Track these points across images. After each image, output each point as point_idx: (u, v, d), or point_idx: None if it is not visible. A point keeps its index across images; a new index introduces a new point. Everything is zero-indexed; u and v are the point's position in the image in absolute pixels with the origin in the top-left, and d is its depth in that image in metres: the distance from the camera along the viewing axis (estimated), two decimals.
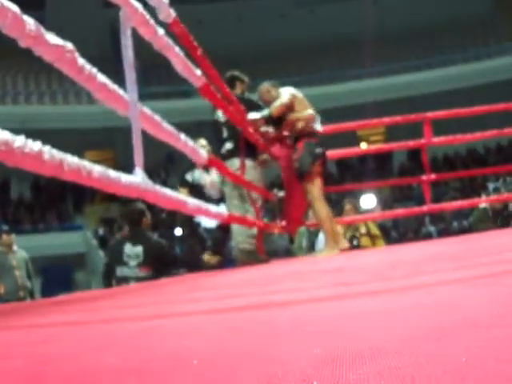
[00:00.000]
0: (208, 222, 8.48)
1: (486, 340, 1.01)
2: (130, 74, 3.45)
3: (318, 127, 7.43)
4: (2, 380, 1.10)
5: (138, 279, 7.68)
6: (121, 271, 7.93)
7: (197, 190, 7.90)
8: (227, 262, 9.52)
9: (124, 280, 7.85)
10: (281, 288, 3.08)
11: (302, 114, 7.34)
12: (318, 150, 7.24)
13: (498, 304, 1.43)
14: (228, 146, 7.29)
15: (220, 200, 7.63)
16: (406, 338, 1.09)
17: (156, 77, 29.67)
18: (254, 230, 7.52)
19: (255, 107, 7.38)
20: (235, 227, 7.31)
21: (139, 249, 7.84)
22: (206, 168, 8.34)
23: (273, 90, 7.53)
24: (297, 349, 1.12)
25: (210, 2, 37.43)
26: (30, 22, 2.39)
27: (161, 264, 7.77)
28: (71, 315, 2.63)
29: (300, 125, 7.28)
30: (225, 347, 1.24)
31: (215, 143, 7.51)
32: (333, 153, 9.08)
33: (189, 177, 8.40)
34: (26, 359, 1.33)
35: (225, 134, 7.17)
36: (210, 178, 8.36)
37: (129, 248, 7.95)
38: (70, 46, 2.73)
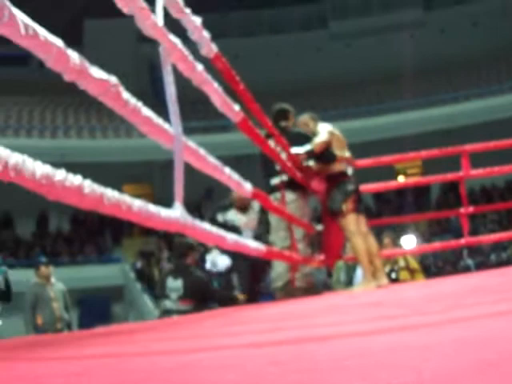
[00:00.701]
0: (219, 265, 8.54)
1: None
2: (174, 108, 3.47)
3: (350, 171, 7.46)
4: None
5: (179, 312, 7.73)
6: (164, 304, 8.05)
7: (231, 230, 7.89)
8: (264, 295, 9.50)
9: (167, 313, 7.94)
10: (320, 322, 3.07)
11: (345, 155, 7.41)
12: (350, 188, 7.26)
13: None
14: (280, 178, 7.34)
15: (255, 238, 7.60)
16: (450, 372, 1.09)
17: (194, 112, 29.81)
18: (309, 268, 7.54)
19: (302, 140, 7.40)
20: (277, 261, 7.32)
21: (179, 282, 7.92)
22: (244, 209, 8.37)
23: (311, 122, 7.58)
24: (340, 382, 1.12)
25: (247, 36, 37.70)
26: (74, 56, 2.42)
27: (201, 298, 7.83)
28: (109, 347, 2.63)
29: (337, 166, 7.33)
30: (267, 381, 1.23)
31: (261, 176, 7.55)
32: (370, 187, 9.06)
33: (220, 217, 8.39)
34: None
35: (277, 167, 7.17)
36: (245, 219, 8.36)
37: (170, 281, 8.05)
38: (114, 79, 2.75)
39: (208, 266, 8.74)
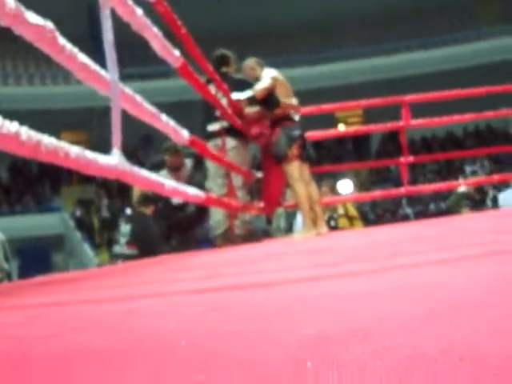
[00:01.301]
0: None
1: (477, 319, 1.00)
2: (111, 54, 3.42)
3: (296, 117, 7.45)
4: None
5: (126, 257, 7.79)
6: (113, 249, 8.10)
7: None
8: (203, 242, 9.51)
9: (115, 257, 8.03)
10: (261, 269, 3.07)
11: (290, 102, 7.39)
12: (296, 133, 7.25)
13: (484, 284, 1.43)
14: (220, 124, 7.31)
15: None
16: (397, 318, 1.08)
17: (132, 58, 29.47)
18: (248, 216, 7.56)
19: (243, 86, 7.37)
20: (214, 208, 7.33)
21: (129, 227, 7.98)
22: (177, 169, 8.32)
23: (258, 68, 7.55)
24: (284, 329, 1.11)
25: None
26: (9, 0, 2.35)
27: (145, 244, 7.86)
28: (51, 296, 2.61)
29: (282, 111, 7.32)
30: (210, 328, 1.22)
31: (201, 122, 7.51)
32: (311, 134, 9.08)
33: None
34: (9, 340, 1.31)
35: (217, 113, 7.12)
36: (177, 180, 8.34)
37: (123, 226, 8.11)
38: (50, 25, 2.69)
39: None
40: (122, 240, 8.05)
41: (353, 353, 0.87)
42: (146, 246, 7.88)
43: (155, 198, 8.06)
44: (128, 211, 8.93)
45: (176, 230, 8.24)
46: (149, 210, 8.25)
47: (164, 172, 8.26)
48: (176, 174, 8.23)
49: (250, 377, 0.83)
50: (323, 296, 1.55)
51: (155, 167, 8.35)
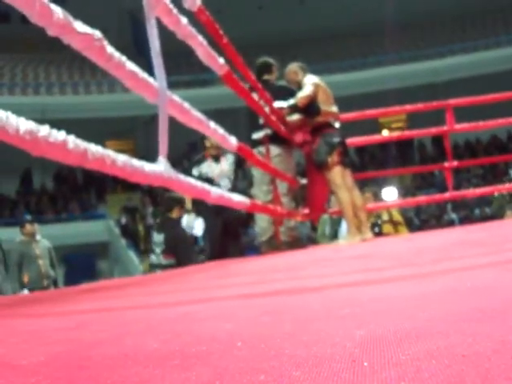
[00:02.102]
0: (195, 229, 8.57)
1: None
2: (158, 62, 3.44)
3: (337, 124, 7.45)
4: (49, 365, 1.11)
5: (163, 267, 7.77)
6: (150, 259, 8.08)
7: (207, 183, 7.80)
8: (249, 249, 9.53)
9: (152, 267, 7.99)
10: (309, 274, 3.08)
11: (330, 109, 7.38)
12: (335, 140, 7.24)
13: None
14: (263, 132, 7.33)
15: (232, 190, 7.55)
16: (448, 320, 1.09)
17: (176, 66, 29.61)
18: (293, 222, 7.56)
19: (285, 94, 7.38)
20: (260, 215, 7.34)
21: (162, 237, 7.96)
22: (217, 158, 8.34)
23: (300, 72, 7.56)
24: (338, 331, 1.12)
25: None
26: (57, 10, 2.39)
27: (181, 252, 7.86)
28: (101, 302, 2.64)
29: (322, 119, 7.31)
30: (264, 330, 1.24)
31: (247, 129, 7.53)
32: (354, 140, 9.06)
33: (195, 172, 8.37)
34: (66, 345, 1.34)
35: (261, 120, 7.14)
36: (219, 169, 8.34)
37: (155, 235, 8.09)
38: (98, 33, 2.72)
39: (183, 226, 8.76)
40: (157, 249, 8.06)
41: (407, 353, 0.88)
42: (182, 253, 7.91)
43: (179, 199, 8.10)
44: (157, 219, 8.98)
45: (230, 227, 8.24)
46: (175, 214, 8.28)
47: (206, 163, 8.31)
48: (217, 165, 8.28)
49: (309, 376, 0.84)
50: (373, 299, 1.56)
51: (198, 163, 8.41)
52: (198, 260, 7.98)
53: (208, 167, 8.31)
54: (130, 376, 0.97)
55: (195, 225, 8.55)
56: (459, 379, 0.75)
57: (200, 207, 8.27)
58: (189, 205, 8.52)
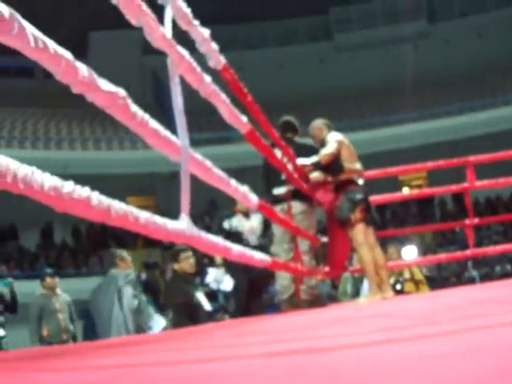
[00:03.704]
0: (223, 284, 8.53)
1: None
2: (181, 120, 3.48)
3: (360, 181, 7.45)
4: None
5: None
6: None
7: (235, 238, 7.78)
8: (269, 307, 9.49)
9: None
10: (330, 333, 3.07)
11: (354, 166, 7.38)
12: (358, 197, 7.23)
13: None
14: (286, 188, 7.34)
15: (258, 247, 7.53)
16: (475, 378, 1.09)
17: (196, 124, 29.82)
18: (314, 281, 7.52)
19: (308, 151, 7.41)
20: (280, 273, 7.32)
21: None
22: (246, 214, 8.39)
23: (325, 129, 7.59)
24: None
25: (251, 49, 37.74)
26: (82, 68, 2.43)
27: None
28: (123, 358, 2.64)
29: (345, 176, 7.32)
30: None
31: (264, 186, 7.54)
32: (375, 198, 9.05)
33: (226, 224, 8.43)
34: None
35: (283, 176, 7.16)
36: (249, 224, 8.38)
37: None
38: (122, 91, 2.76)
39: (210, 280, 8.73)
40: None
41: None
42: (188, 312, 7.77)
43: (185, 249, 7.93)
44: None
45: (255, 284, 8.22)
46: (180, 266, 8.03)
47: (236, 218, 8.35)
48: (247, 220, 8.32)
49: None
50: (396, 359, 1.55)
51: (228, 217, 8.45)
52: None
53: (238, 222, 8.38)
54: None
55: (224, 279, 8.52)
56: None
57: (228, 263, 8.24)
58: (218, 260, 8.51)
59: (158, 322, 7.91)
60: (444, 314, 3.36)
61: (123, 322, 7.39)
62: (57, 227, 31.19)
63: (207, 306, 8.08)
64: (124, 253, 8.22)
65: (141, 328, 7.50)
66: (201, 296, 8.04)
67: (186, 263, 7.88)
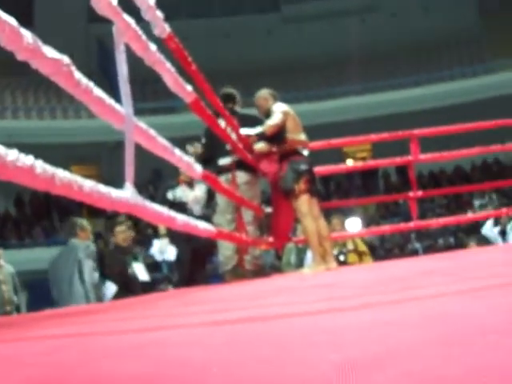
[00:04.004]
0: (167, 254, 8.54)
1: (497, 346, 1.02)
2: (125, 89, 3.45)
3: (305, 152, 7.45)
4: None
5: None
6: None
7: (179, 208, 7.77)
8: (212, 277, 9.50)
9: None
10: (274, 302, 3.09)
11: (298, 137, 7.38)
12: (303, 167, 7.22)
13: (498, 313, 1.45)
14: (231, 158, 7.33)
15: (202, 217, 7.51)
16: (419, 344, 1.11)
17: (141, 93, 29.62)
18: (258, 251, 7.55)
19: (250, 122, 7.40)
20: (223, 243, 7.32)
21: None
22: (191, 184, 8.36)
23: (270, 99, 7.56)
24: (312, 355, 1.13)
25: (196, 18, 37.49)
26: (27, 35, 2.39)
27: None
28: (70, 327, 2.63)
29: (289, 146, 7.31)
30: (237, 356, 1.24)
31: (208, 153, 7.51)
32: (319, 169, 9.08)
33: (170, 195, 8.40)
34: (40, 367, 1.33)
35: (228, 147, 7.16)
36: (193, 194, 8.36)
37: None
38: (66, 59, 2.72)
39: (155, 251, 8.72)
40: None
41: (384, 375, 0.89)
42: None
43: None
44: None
45: (199, 255, 8.22)
46: (115, 238, 8.25)
47: (180, 188, 8.33)
48: (191, 191, 8.31)
49: None
50: (342, 326, 1.57)
51: (172, 187, 8.43)
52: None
53: (182, 192, 8.34)
54: None
55: (167, 250, 8.52)
56: None
57: (172, 233, 8.24)
58: (162, 230, 8.50)
59: (109, 288, 7.94)
60: (387, 285, 3.40)
61: (84, 295, 7.38)
62: None
63: (144, 276, 8.13)
64: (84, 222, 8.18)
65: (100, 299, 7.50)
66: (138, 267, 8.10)
67: (119, 237, 8.09)
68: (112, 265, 8.00)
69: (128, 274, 7.88)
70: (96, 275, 7.44)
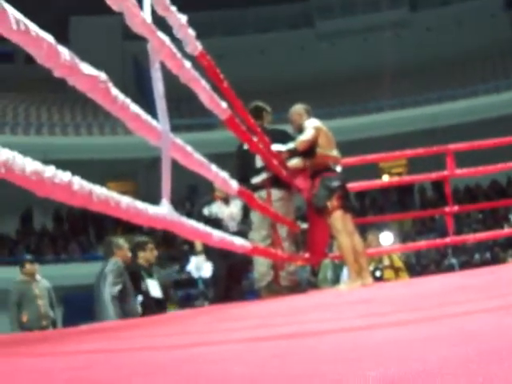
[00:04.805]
0: (203, 271, 8.54)
1: None
2: (161, 105, 3.47)
3: (338, 168, 7.42)
4: None
5: None
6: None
7: (215, 224, 7.78)
8: (248, 293, 9.50)
9: None
10: (311, 318, 3.08)
11: (331, 153, 7.35)
12: (335, 184, 7.19)
13: None
14: (264, 176, 7.33)
15: (238, 233, 7.51)
16: (457, 362, 1.10)
17: (176, 110, 29.78)
18: (294, 267, 7.53)
19: (280, 138, 7.39)
20: (259, 259, 7.32)
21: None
22: (226, 201, 8.37)
23: (304, 115, 7.55)
24: (349, 373, 1.13)
25: (230, 35, 37.68)
26: (64, 52, 2.41)
27: None
28: (105, 343, 2.63)
29: (322, 163, 7.29)
30: (276, 372, 1.24)
31: (240, 172, 7.50)
32: (354, 185, 9.05)
33: (206, 211, 8.41)
34: (72, 383, 1.34)
35: (259, 164, 7.17)
36: (229, 211, 8.37)
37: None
38: (103, 75, 2.74)
39: (191, 268, 8.73)
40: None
41: None
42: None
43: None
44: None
45: (235, 271, 8.22)
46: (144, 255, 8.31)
47: (216, 204, 8.34)
48: (227, 207, 8.32)
49: None
50: (379, 343, 1.56)
51: (208, 203, 8.45)
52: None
53: (218, 208, 8.35)
54: None
55: (204, 266, 8.53)
56: None
57: (208, 250, 8.25)
58: (199, 247, 8.50)
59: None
60: (424, 301, 3.38)
61: (106, 307, 7.43)
62: (36, 213, 31.11)
63: (156, 293, 8.16)
64: (121, 241, 8.21)
65: (128, 314, 7.52)
66: (151, 283, 8.15)
67: (143, 258, 8.16)
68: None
69: (141, 290, 7.97)
70: (115, 289, 7.45)
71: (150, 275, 8.30)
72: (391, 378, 1.01)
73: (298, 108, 7.69)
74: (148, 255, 8.31)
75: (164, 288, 8.48)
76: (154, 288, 8.15)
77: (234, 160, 7.75)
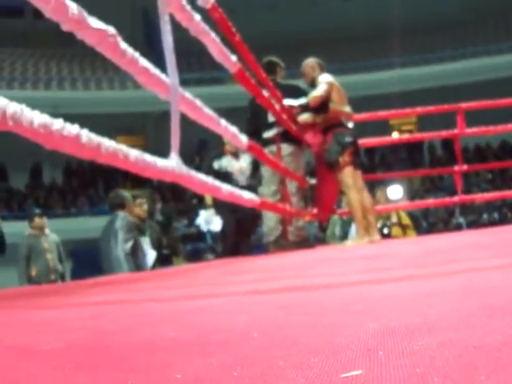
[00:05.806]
0: (213, 225, 8.57)
1: None
2: (171, 59, 3.46)
3: (350, 124, 7.41)
4: (70, 351, 1.13)
5: None
6: None
7: (224, 178, 7.80)
8: (256, 248, 9.53)
9: None
10: (318, 272, 3.10)
11: (343, 109, 7.33)
12: (347, 139, 7.19)
13: None
14: (275, 130, 7.32)
15: (247, 187, 7.53)
16: (458, 316, 1.12)
17: (186, 64, 29.62)
18: (302, 222, 7.54)
19: (293, 93, 7.37)
20: (267, 214, 7.34)
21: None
22: (236, 155, 8.37)
23: (317, 69, 7.52)
24: (351, 324, 1.15)
25: None
26: (72, 5, 2.40)
27: None
28: (114, 295, 2.66)
29: (334, 118, 7.26)
30: (279, 323, 1.26)
31: (252, 127, 7.47)
32: (364, 142, 9.03)
33: (216, 165, 8.41)
34: (85, 333, 1.36)
35: (271, 118, 7.15)
36: (238, 165, 8.37)
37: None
38: (112, 29, 2.74)
39: (201, 222, 8.76)
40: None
41: (420, 344, 0.90)
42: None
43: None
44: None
45: (243, 225, 8.24)
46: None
47: (226, 158, 8.35)
48: (237, 161, 8.33)
49: (327, 363, 0.87)
50: (384, 297, 1.58)
51: (218, 157, 8.45)
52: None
53: (228, 162, 8.36)
54: (152, 361, 0.99)
55: (213, 220, 8.56)
56: (471, 367, 0.77)
57: (217, 204, 8.28)
58: (209, 201, 8.53)
59: (149, 255, 8.04)
60: (430, 258, 3.39)
61: (120, 264, 7.47)
62: (46, 167, 31.16)
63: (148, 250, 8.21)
64: (127, 194, 8.21)
65: (140, 268, 7.57)
66: (143, 240, 8.18)
67: (138, 209, 8.15)
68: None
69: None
70: (127, 246, 7.47)
71: (142, 232, 8.28)
72: (390, 329, 1.03)
73: (311, 61, 7.66)
74: (137, 210, 8.25)
75: (159, 242, 8.48)
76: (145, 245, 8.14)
77: (247, 115, 7.74)
